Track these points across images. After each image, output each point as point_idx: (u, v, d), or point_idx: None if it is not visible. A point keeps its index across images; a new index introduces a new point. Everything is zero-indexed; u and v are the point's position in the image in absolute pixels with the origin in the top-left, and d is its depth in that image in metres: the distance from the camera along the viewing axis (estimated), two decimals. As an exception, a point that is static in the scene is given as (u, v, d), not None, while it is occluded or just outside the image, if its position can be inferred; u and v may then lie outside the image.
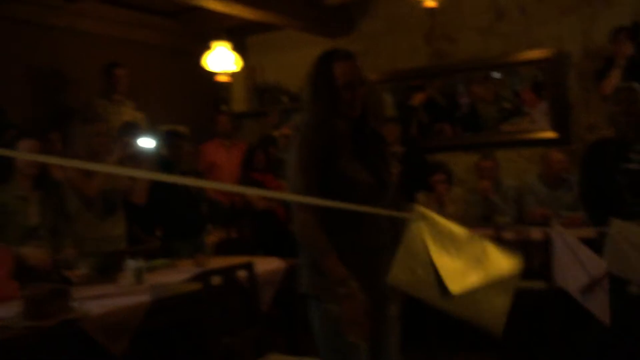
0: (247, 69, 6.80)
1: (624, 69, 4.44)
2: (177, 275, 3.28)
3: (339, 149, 2.05)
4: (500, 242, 3.92)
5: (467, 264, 1.54)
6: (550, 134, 5.36)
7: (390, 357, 2.13)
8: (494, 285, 1.52)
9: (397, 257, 1.55)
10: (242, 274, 3.04)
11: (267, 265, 3.53)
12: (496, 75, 5.65)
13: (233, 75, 6.13)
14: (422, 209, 1.57)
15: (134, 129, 4.38)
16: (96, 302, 2.69)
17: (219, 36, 5.77)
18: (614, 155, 3.15)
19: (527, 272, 4.14)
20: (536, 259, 3.90)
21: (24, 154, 3.35)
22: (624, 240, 1.81)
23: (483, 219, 4.83)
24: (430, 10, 4.83)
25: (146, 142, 3.74)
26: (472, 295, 1.51)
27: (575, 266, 1.78)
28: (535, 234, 3.92)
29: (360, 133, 2.13)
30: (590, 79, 5.13)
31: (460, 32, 5.75)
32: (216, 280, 2.89)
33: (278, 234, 4.91)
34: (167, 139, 4.46)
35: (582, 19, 5.24)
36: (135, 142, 3.69)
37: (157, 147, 4.22)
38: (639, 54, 4.49)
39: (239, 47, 6.34)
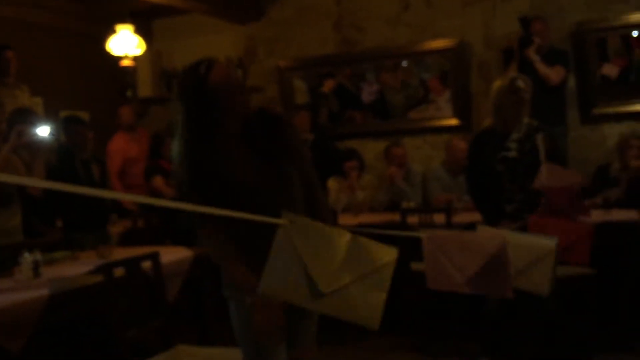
0: (153, 53, 6.61)
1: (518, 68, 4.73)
2: (78, 268, 3.17)
3: (225, 147, 2.00)
4: (406, 226, 4.06)
5: (339, 263, 1.54)
6: (453, 122, 5.56)
7: (306, 345, 2.14)
8: (367, 281, 1.54)
9: (267, 266, 1.53)
10: (147, 264, 2.96)
11: (173, 255, 3.47)
12: (404, 63, 5.78)
13: (139, 60, 5.95)
14: (291, 215, 1.56)
15: (27, 115, 4.15)
16: (-10, 298, 2.56)
17: (123, 19, 5.57)
18: (494, 145, 3.32)
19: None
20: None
21: None
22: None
23: (390, 204, 4.95)
24: (338, -2, 4.87)
25: (43, 129, 3.55)
26: (345, 293, 1.52)
27: (449, 269, 1.86)
28: (439, 218, 4.07)
29: (252, 132, 2.04)
30: (490, 68, 5.36)
31: (368, 21, 5.84)
32: (120, 271, 2.81)
33: (187, 224, 4.82)
34: (67, 125, 4.27)
35: (483, 11, 5.45)
36: (31, 129, 3.50)
37: (56, 134, 4.03)
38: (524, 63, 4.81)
39: (144, 31, 6.16)
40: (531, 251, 1.90)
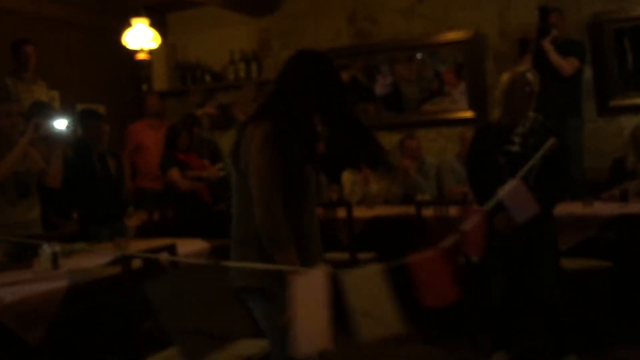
0: (168, 46, 6.64)
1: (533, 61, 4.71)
2: (95, 260, 3.19)
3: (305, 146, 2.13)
4: (421, 219, 4.06)
5: None
6: (468, 114, 5.53)
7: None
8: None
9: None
10: (164, 256, 2.98)
11: (190, 247, 3.49)
12: (419, 55, 5.76)
13: (154, 53, 5.98)
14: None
15: (45, 109, 4.19)
16: (9, 289, 2.59)
17: (138, 13, 5.60)
18: (498, 137, 3.31)
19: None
20: (454, 235, 4.03)
21: None
22: None
23: (404, 197, 4.95)
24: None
25: (60, 123, 3.58)
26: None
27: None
28: (454, 211, 4.05)
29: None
30: (505, 60, 5.33)
31: (383, 13, 5.82)
32: (137, 263, 2.83)
33: (203, 216, 4.85)
34: (83, 118, 4.30)
35: (498, 2, 5.40)
36: (48, 123, 3.53)
37: (72, 128, 4.06)
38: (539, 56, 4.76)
39: (159, 25, 6.18)
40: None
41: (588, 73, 5.05)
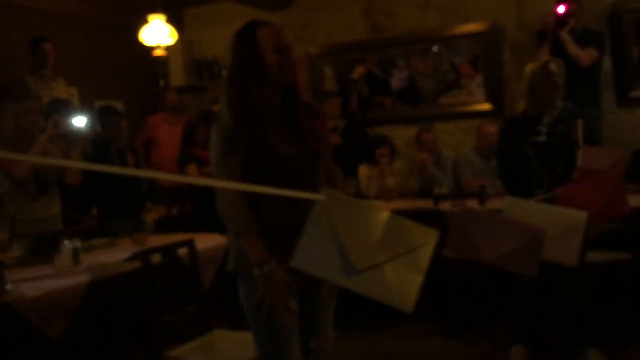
0: (185, 42, 6.67)
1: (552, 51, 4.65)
2: (115, 255, 3.23)
3: (264, 118, 2.01)
4: (439, 212, 4.04)
5: (375, 241, 1.49)
6: (485, 106, 5.49)
7: (324, 334, 2.15)
8: (403, 261, 1.49)
9: (301, 240, 1.49)
10: (182, 251, 3.01)
11: (208, 242, 3.51)
12: (434, 48, 5.72)
13: (171, 49, 6.01)
14: (330, 190, 1.52)
15: (64, 106, 4.23)
16: (31, 284, 2.63)
17: (154, 9, 5.63)
18: (525, 129, 3.31)
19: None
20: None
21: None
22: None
23: (422, 190, 4.93)
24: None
25: (79, 120, 3.62)
26: (379, 272, 1.47)
27: (485, 238, 1.90)
28: (472, 204, 4.03)
29: (289, 103, 2.07)
30: (523, 51, 5.28)
31: (398, 5, 5.78)
32: (156, 258, 2.86)
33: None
34: (102, 115, 4.34)
35: (515, -7, 5.35)
36: (67, 120, 3.57)
37: (91, 124, 4.10)
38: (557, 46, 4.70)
39: (175, 21, 6.21)
40: (560, 223, 1.93)
41: (607, 63, 4.99)
